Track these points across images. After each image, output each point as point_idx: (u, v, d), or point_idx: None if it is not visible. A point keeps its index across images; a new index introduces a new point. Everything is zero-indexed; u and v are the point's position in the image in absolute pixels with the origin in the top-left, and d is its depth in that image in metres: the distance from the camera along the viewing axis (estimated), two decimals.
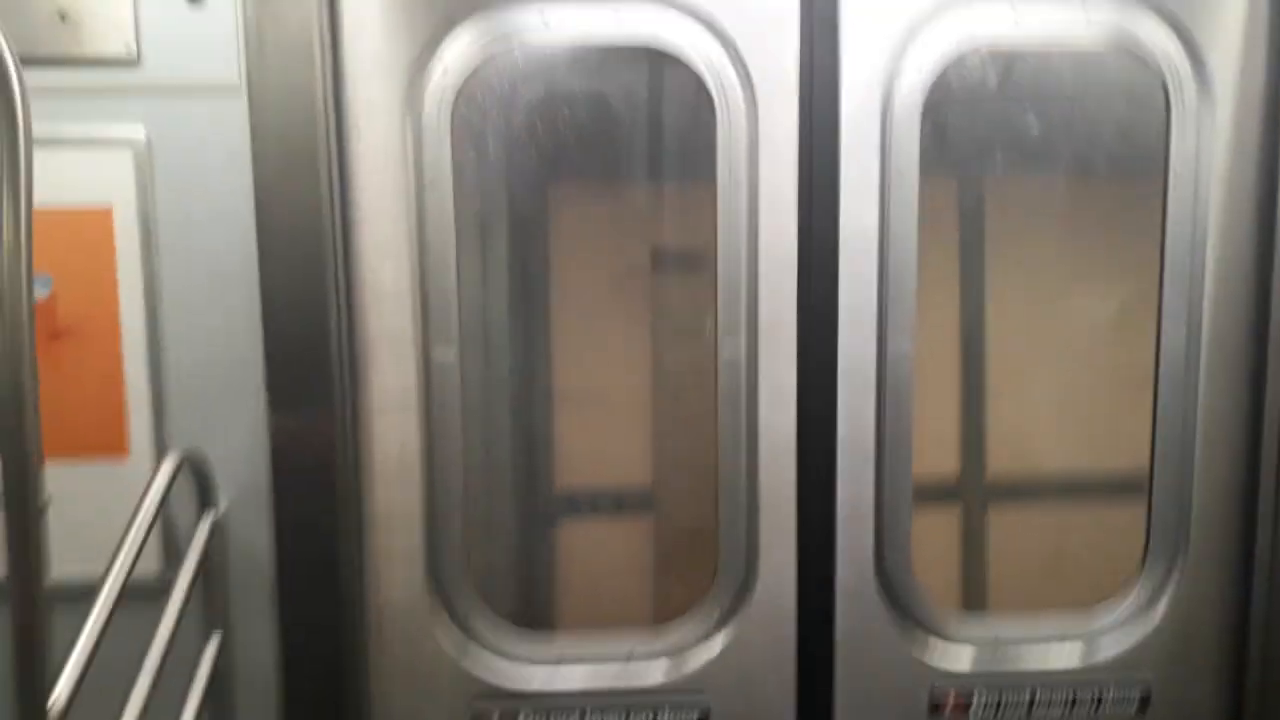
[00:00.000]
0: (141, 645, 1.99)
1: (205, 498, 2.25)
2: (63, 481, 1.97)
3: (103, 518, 2.04)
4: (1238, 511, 2.56)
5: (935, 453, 2.61)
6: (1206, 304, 2.47)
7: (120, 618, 1.75)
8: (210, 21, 2.20)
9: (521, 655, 2.50)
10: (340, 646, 2.35)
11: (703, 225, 2.41)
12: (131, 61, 2.19)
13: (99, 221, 2.20)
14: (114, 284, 2.22)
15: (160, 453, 2.24)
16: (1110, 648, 2.58)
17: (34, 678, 1.39)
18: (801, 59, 2.33)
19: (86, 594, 1.74)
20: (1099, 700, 2.58)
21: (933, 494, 2.62)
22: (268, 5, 2.18)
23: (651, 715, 2.50)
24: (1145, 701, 2.59)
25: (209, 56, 2.21)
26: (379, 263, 2.32)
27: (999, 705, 2.56)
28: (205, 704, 2.20)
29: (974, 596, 2.69)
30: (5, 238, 1.29)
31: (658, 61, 2.37)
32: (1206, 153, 2.44)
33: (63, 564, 1.67)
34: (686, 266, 2.50)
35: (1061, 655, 2.58)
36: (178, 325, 2.27)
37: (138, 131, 2.21)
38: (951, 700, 2.56)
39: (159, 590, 2.13)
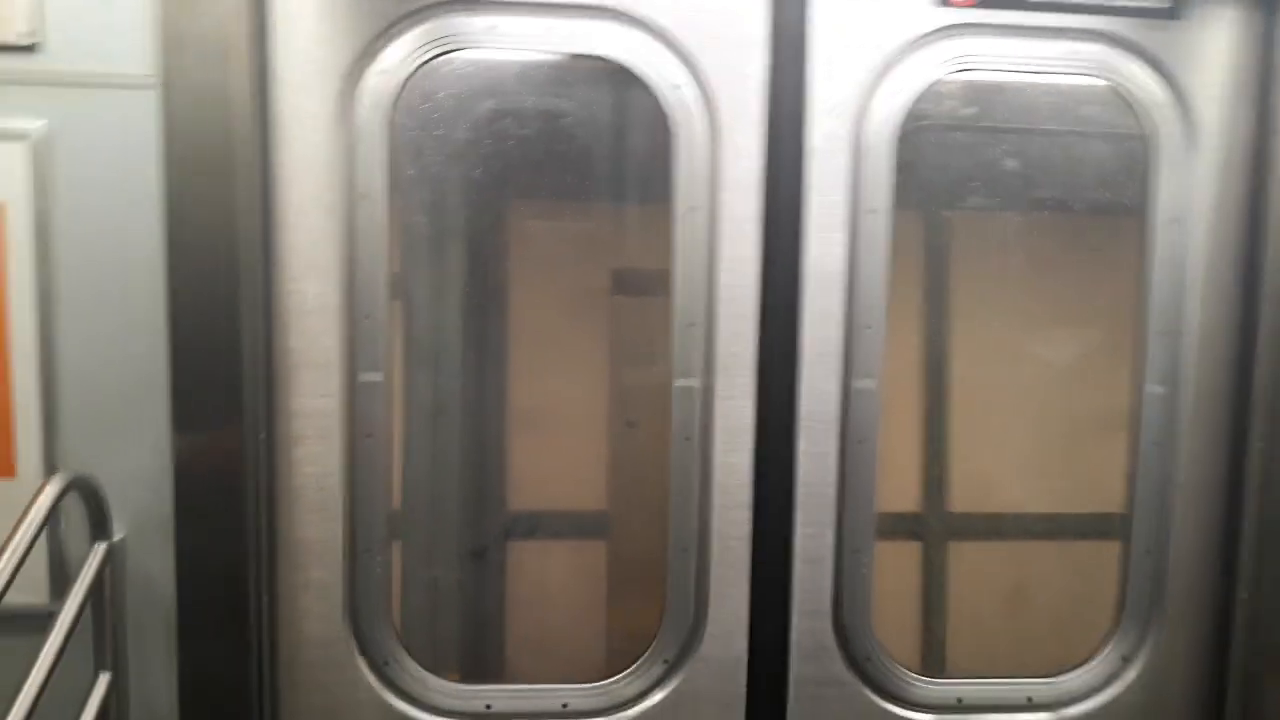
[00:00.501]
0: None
1: (98, 525, 2.10)
2: None
3: None
4: (1217, 567, 2.50)
5: (898, 501, 2.55)
6: (1189, 352, 2.44)
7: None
8: (122, 8, 2.08)
9: (447, 707, 2.38)
10: (247, 692, 2.22)
11: (654, 253, 2.33)
12: (32, 47, 2.07)
13: None
14: (2, 287, 2.08)
15: (52, 474, 2.07)
16: (1079, 713, 2.51)
17: None
18: (768, 83, 2.28)
19: None
20: None
21: (895, 545, 2.56)
22: None
23: None
24: None
25: (119, 46, 2.09)
26: (302, 276, 2.22)
27: None
28: None
29: (935, 654, 2.61)
30: None
31: (615, 78, 2.31)
32: (1189, 198, 2.41)
33: None
34: (638, 292, 2.44)
35: None
36: (74, 335, 2.13)
37: (35, 124, 2.08)
38: None
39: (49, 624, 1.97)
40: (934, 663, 2.60)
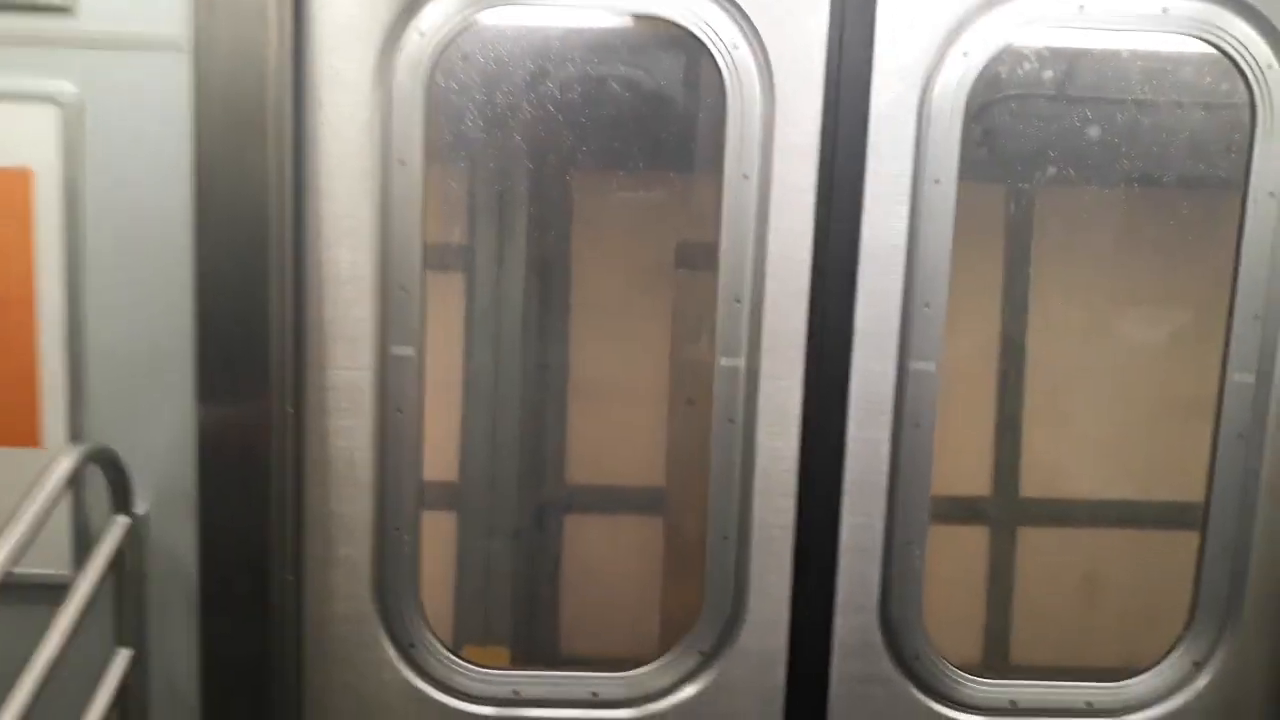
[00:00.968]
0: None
1: (120, 496, 2.09)
2: None
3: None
4: None
5: (955, 490, 2.50)
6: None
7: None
8: None
9: (473, 692, 2.36)
10: (269, 670, 2.21)
11: (706, 222, 2.27)
12: (64, 9, 2.03)
13: (16, 184, 2.05)
14: (30, 254, 2.07)
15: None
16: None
17: None
18: (829, 44, 2.19)
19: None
20: None
21: (949, 536, 2.50)
22: None
23: None
24: None
25: (151, 8, 2.04)
26: (334, 244, 2.18)
27: None
28: None
29: (990, 654, 2.57)
30: None
31: (664, 38, 2.25)
32: None
33: None
34: (688, 264, 2.38)
35: None
36: (101, 303, 2.11)
37: (66, 87, 2.04)
38: None
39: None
40: (991, 659, 2.56)
